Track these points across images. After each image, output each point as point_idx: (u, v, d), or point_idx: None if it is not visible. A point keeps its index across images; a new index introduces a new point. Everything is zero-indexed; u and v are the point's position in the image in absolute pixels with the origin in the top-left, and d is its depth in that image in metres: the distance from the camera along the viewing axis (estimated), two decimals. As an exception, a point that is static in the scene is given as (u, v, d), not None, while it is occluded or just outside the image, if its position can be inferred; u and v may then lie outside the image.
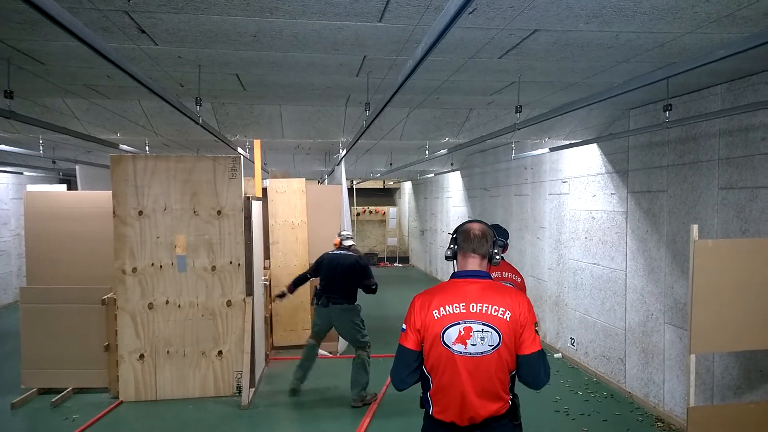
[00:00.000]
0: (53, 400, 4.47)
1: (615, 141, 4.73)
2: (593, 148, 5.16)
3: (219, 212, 4.69)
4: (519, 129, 3.40)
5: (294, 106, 4.60)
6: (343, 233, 5.02)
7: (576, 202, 5.55)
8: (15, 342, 5.61)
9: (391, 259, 15.18)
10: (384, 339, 6.15)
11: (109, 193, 4.60)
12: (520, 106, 3.51)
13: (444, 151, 5.86)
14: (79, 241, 4.92)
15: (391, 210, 15.74)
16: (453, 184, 10.34)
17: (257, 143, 5.78)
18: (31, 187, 6.46)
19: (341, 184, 6.32)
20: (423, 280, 11.86)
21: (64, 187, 7.23)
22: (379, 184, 15.77)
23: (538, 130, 5.00)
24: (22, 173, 8.92)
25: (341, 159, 5.89)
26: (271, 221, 6.24)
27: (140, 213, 4.59)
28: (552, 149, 5.19)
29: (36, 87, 3.70)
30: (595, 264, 5.21)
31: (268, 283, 5.78)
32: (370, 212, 15.75)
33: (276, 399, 4.64)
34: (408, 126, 5.04)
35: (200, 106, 3.40)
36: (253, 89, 3.87)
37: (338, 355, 5.94)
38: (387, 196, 16.65)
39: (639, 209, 4.52)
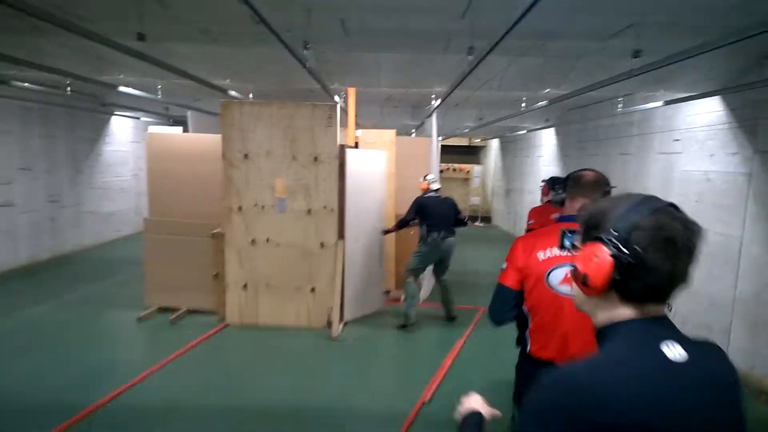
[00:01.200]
0: (171, 317, 5.09)
1: (743, 94, 4.21)
2: (715, 102, 4.65)
3: (315, 158, 4.89)
4: (636, 75, 3.14)
5: (391, 53, 4.58)
6: (429, 177, 5.29)
7: (689, 162, 5.09)
8: (134, 268, 6.38)
9: (473, 219, 15.03)
10: (466, 292, 6.23)
11: (219, 136, 4.96)
12: (639, 51, 3.23)
13: (544, 103, 5.56)
14: (192, 180, 5.38)
15: (476, 168, 15.41)
16: (546, 141, 9.87)
17: (352, 93, 5.87)
18: (151, 129, 7.09)
19: (431, 137, 6.27)
20: (505, 240, 11.65)
21: (180, 129, 7.86)
22: (464, 142, 15.43)
23: (652, 81, 4.58)
24: (139, 118, 9.84)
25: (434, 109, 5.83)
26: (361, 170, 6.38)
27: (245, 156, 4.91)
28: (667, 102, 4.75)
29: (159, 32, 3.99)
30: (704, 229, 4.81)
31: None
32: (454, 170, 15.55)
33: (364, 333, 4.93)
34: (507, 75, 4.83)
35: (307, 50, 3.49)
36: (355, 36, 3.89)
37: (420, 302, 6.09)
38: (472, 153, 16.28)
39: (766, 171, 4.06)
